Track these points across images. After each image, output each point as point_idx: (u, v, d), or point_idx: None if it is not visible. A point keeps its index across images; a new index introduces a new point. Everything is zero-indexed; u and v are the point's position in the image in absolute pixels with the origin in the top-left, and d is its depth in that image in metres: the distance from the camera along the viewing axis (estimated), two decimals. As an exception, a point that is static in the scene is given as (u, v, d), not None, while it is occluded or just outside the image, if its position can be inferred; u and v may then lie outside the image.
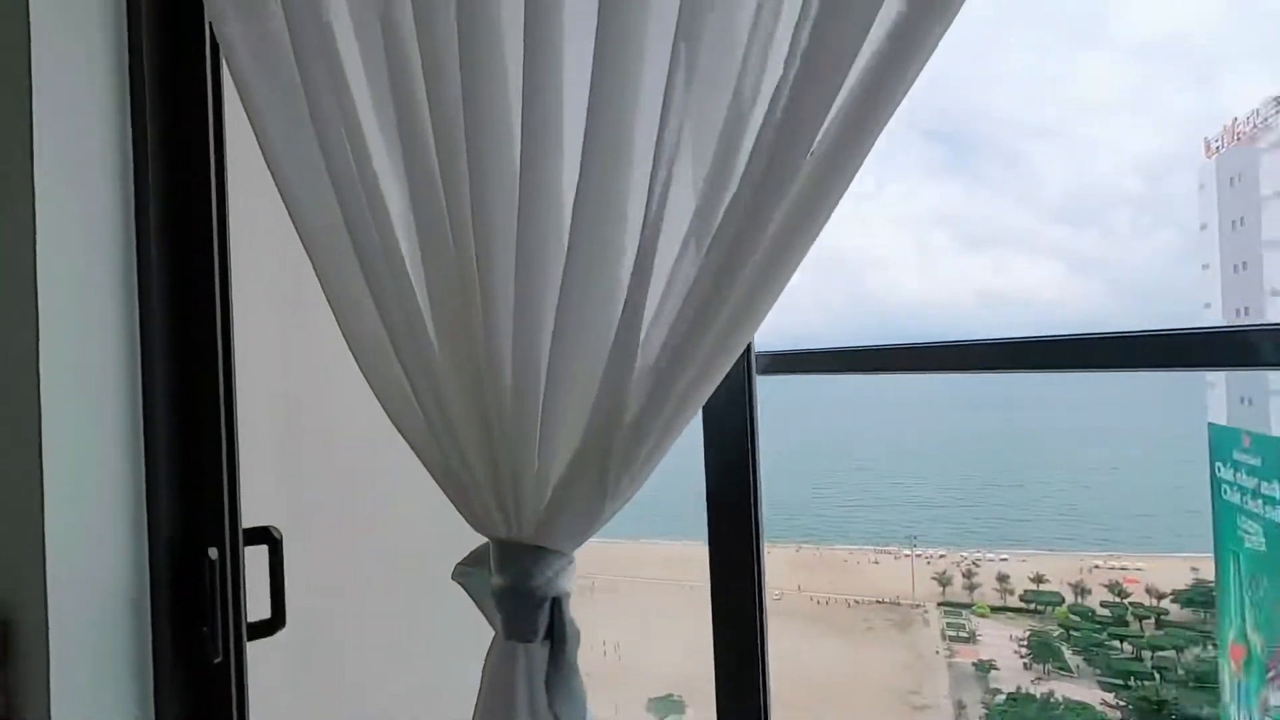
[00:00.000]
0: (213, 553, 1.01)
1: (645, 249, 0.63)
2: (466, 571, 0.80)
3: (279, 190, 0.79)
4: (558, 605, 0.73)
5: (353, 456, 1.32)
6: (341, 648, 1.32)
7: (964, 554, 16.46)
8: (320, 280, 0.79)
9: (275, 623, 1.10)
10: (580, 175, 0.64)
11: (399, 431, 0.78)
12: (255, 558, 1.06)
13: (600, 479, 0.69)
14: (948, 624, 15.34)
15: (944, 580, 16.06)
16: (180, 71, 1.01)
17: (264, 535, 1.11)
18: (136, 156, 0.99)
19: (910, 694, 14.16)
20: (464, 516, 0.76)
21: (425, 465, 0.77)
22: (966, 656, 14.05)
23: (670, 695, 13.37)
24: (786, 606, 17.24)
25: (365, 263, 0.76)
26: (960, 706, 13.16)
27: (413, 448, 0.78)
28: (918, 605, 16.10)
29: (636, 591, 17.25)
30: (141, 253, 1.00)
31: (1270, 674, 9.81)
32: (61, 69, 0.93)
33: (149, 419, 1.01)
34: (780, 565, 18.76)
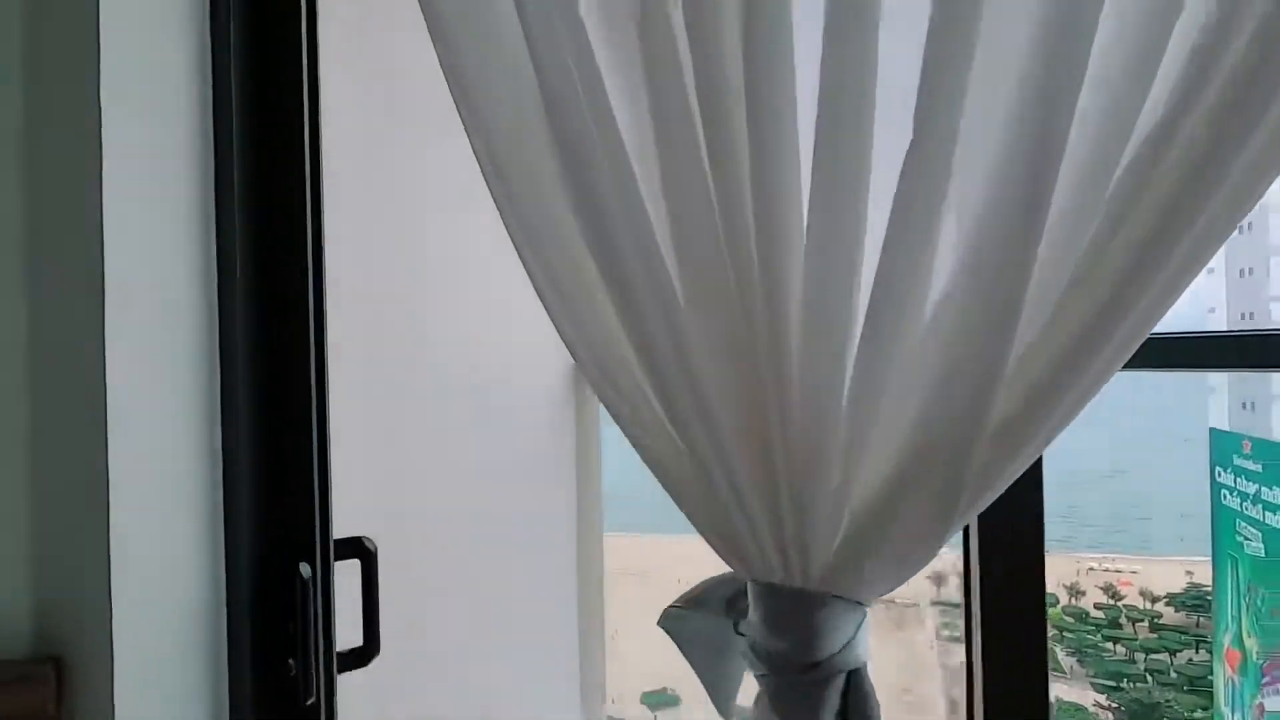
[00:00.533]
0: (304, 569, 0.86)
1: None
2: (681, 616, 0.56)
3: (498, 195, 0.68)
4: (856, 680, 0.52)
5: (441, 455, 1.20)
6: (440, 679, 1.18)
7: (959, 553, 16.39)
8: (536, 270, 0.69)
9: (368, 651, 0.96)
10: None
11: (643, 453, 0.65)
12: (341, 575, 0.95)
13: (946, 494, 0.55)
14: (943, 623, 15.31)
15: (939, 579, 16.01)
16: (269, 25, 0.89)
17: (356, 547, 0.97)
18: (217, 109, 0.88)
19: (903, 691, 14.17)
20: (728, 561, 0.62)
21: (677, 497, 0.64)
22: (960, 656, 14.03)
23: (665, 689, 13.36)
24: (781, 603, 17.17)
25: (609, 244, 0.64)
26: (953, 705, 13.17)
27: (661, 476, 0.64)
28: (913, 604, 16.07)
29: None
30: (222, 221, 0.89)
31: (1265, 679, 9.81)
32: (133, 26, 0.80)
33: (228, 407, 0.89)
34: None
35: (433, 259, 1.17)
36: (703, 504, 0.58)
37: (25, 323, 0.82)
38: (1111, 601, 14.75)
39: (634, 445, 0.63)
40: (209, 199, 0.87)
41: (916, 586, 15.89)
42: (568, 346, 0.68)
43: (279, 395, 0.90)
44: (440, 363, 1.06)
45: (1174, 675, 12.76)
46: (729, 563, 0.54)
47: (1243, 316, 9.55)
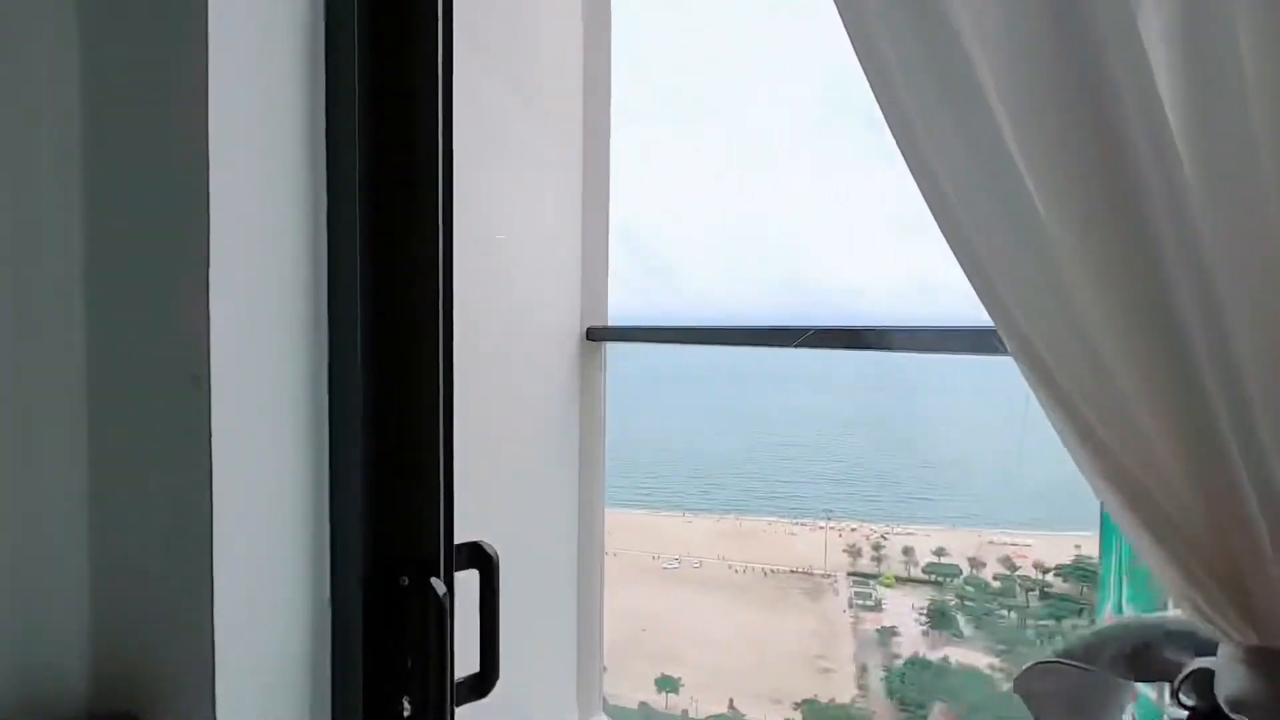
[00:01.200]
0: (438, 586, 0.67)
1: None
2: (1057, 671, 0.42)
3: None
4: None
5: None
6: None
7: (874, 528, 17.23)
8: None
9: (486, 678, 0.75)
10: None
11: (1089, 474, 0.49)
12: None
13: None
14: (855, 593, 16.10)
15: (854, 552, 16.79)
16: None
17: (473, 555, 0.77)
18: (330, 64, 0.73)
19: (817, 658, 14.86)
20: (1194, 616, 0.45)
21: (1145, 547, 0.44)
22: (872, 624, 14.82)
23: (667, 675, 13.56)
24: (706, 574, 17.67)
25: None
26: (863, 670, 13.92)
27: (1115, 504, 0.46)
28: (829, 575, 16.81)
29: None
30: (334, 194, 0.75)
31: (1139, 643, 10.80)
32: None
33: (336, 396, 0.73)
34: (701, 535, 19.16)
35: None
36: (1179, 536, 0.43)
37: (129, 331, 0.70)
38: (1008, 572, 15.89)
39: (1083, 463, 0.48)
40: (319, 191, 0.75)
41: (835, 559, 16.59)
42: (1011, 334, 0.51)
43: (395, 381, 0.74)
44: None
45: (1059, 640, 13.90)
46: (1196, 615, 0.40)
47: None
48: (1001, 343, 1.01)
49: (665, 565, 17.83)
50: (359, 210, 0.76)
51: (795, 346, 1.27)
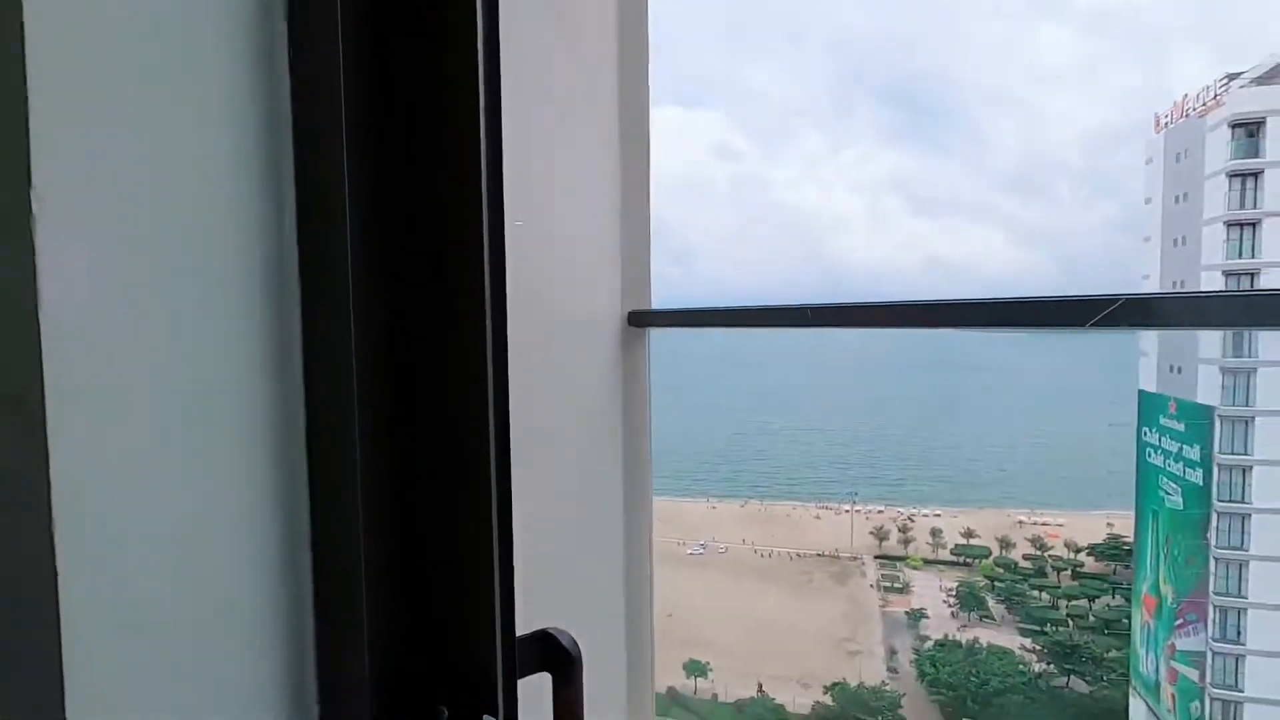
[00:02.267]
0: None
1: None
2: None
3: None
4: None
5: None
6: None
7: (900, 510, 17.16)
8: None
9: None
10: None
11: None
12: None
13: None
14: (883, 575, 16.06)
15: (881, 535, 16.75)
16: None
17: (547, 651, 0.53)
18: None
19: (845, 640, 14.85)
20: None
21: None
22: (899, 606, 14.78)
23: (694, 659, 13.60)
24: (731, 559, 17.71)
25: None
26: (892, 652, 13.88)
27: None
28: (855, 558, 16.77)
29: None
30: (305, 95, 0.52)
31: (1178, 621, 10.67)
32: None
33: (318, 424, 0.52)
34: (726, 520, 19.20)
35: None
36: None
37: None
38: (1039, 552, 15.72)
39: None
40: (276, 93, 0.52)
41: (861, 542, 16.51)
42: None
43: (424, 411, 0.54)
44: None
45: (1092, 619, 13.74)
46: None
47: (1175, 284, 10.00)
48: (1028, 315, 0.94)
49: (691, 551, 17.84)
50: (347, 131, 0.53)
51: (841, 326, 1.21)
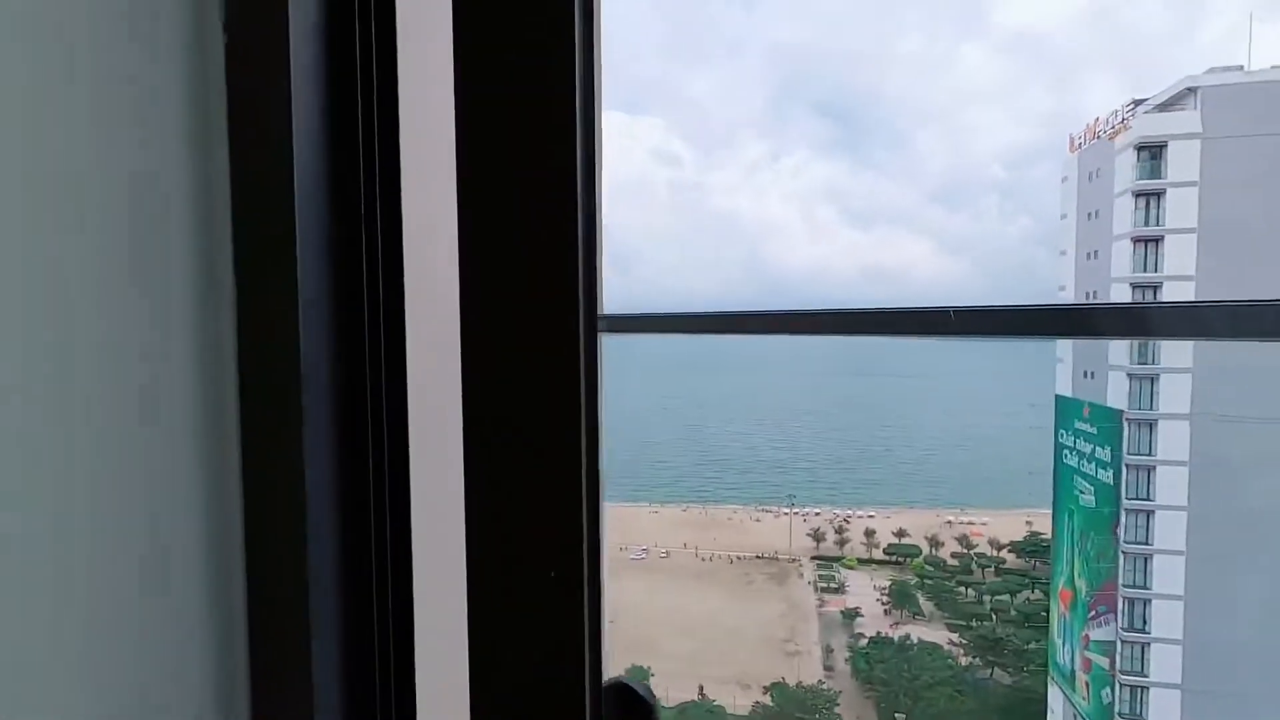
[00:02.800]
0: None
1: None
2: None
3: None
4: None
5: None
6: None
7: (837, 511, 17.65)
8: None
9: None
10: None
11: None
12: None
13: None
14: (819, 576, 16.48)
15: (818, 536, 17.18)
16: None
17: (626, 707, 0.43)
18: None
19: (784, 641, 15.16)
20: None
21: None
22: (835, 606, 15.19)
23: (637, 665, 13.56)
24: (673, 563, 17.84)
25: None
26: (828, 651, 14.24)
27: None
28: (794, 560, 17.15)
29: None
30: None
31: (1091, 614, 11.34)
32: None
33: (253, 421, 0.44)
34: (668, 524, 19.34)
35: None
36: None
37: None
38: (965, 550, 16.44)
39: None
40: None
41: (799, 544, 16.87)
42: None
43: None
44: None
45: (1014, 613, 14.44)
46: None
47: (1088, 295, 10.64)
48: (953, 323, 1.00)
49: (633, 556, 17.85)
50: (291, 119, 0.49)
51: (795, 334, 1.25)
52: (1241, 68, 10.21)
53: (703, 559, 16.91)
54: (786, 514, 18.02)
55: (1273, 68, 9.95)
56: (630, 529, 17.81)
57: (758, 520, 18.24)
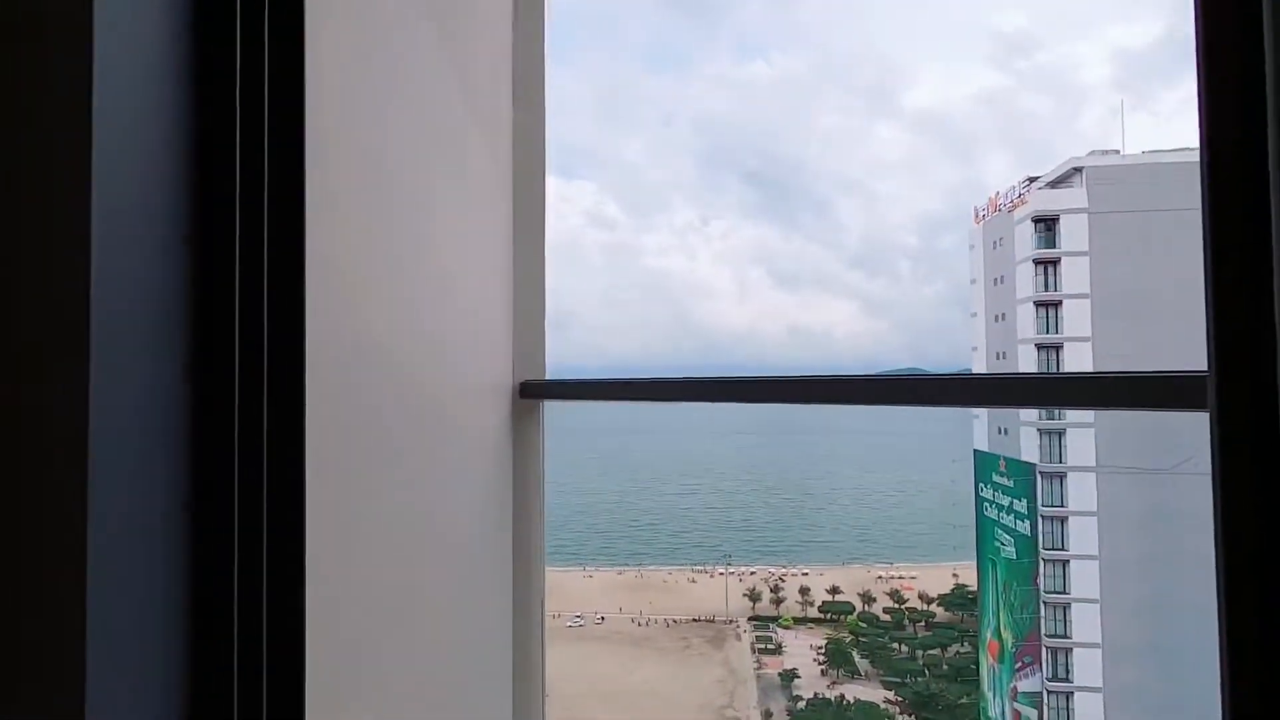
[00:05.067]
0: None
1: None
2: None
3: None
4: None
5: None
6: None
7: (772, 570, 17.64)
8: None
9: None
10: None
11: None
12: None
13: None
14: (757, 637, 16.29)
15: (754, 596, 17.07)
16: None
17: None
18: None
19: (724, 708, 14.80)
20: None
21: None
22: (773, 667, 15.00)
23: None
24: (610, 629, 17.30)
25: None
26: (767, 716, 13.97)
27: None
28: (731, 621, 16.93)
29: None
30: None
31: (1018, 665, 11.59)
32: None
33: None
34: (603, 588, 18.84)
35: (385, 256, 0.86)
36: None
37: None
38: (897, 605, 16.63)
39: None
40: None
41: (736, 605, 16.69)
42: None
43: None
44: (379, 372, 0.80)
45: (945, 667, 14.60)
46: None
47: (998, 355, 11.31)
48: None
49: (568, 623, 17.22)
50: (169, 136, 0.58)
51: (724, 400, 1.27)
52: (1118, 151, 11.37)
53: (639, 624, 16.49)
54: (722, 574, 17.88)
55: (1143, 152, 11.12)
56: (565, 594, 17.25)
57: (693, 581, 18.01)
